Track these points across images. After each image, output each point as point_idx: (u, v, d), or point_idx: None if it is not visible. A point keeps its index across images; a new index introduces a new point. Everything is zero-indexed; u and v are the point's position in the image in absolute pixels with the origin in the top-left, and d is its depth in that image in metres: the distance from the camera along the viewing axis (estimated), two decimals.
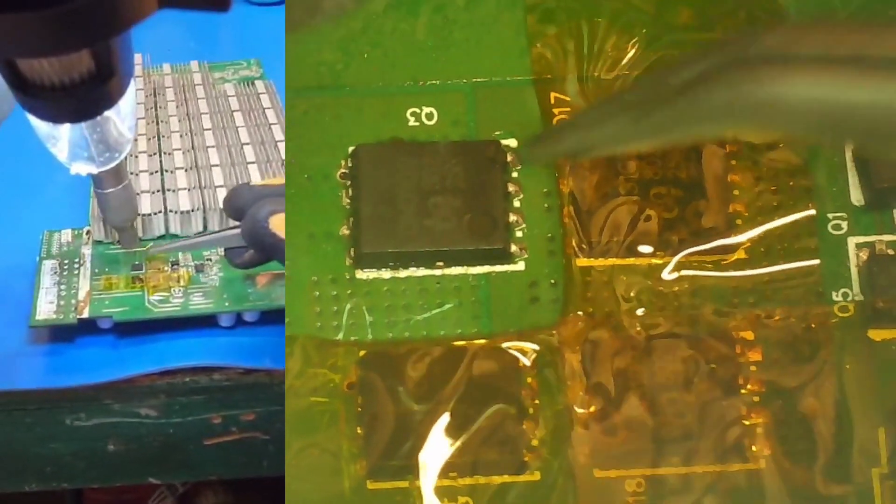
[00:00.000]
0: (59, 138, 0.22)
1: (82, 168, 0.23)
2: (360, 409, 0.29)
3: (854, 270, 0.30)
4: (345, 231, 0.30)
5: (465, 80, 0.30)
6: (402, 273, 0.30)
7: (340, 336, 0.29)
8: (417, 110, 0.30)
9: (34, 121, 0.22)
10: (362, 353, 0.29)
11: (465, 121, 0.30)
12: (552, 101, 0.30)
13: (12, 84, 0.21)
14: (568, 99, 0.30)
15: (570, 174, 0.30)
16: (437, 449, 0.29)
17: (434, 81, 0.30)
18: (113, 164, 0.24)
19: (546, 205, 0.30)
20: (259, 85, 0.47)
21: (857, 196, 0.30)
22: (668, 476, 0.29)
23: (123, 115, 0.22)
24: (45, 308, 0.33)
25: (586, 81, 0.30)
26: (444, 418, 0.29)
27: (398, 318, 0.29)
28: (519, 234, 0.30)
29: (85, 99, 0.21)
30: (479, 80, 0.30)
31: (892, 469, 0.29)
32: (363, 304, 0.29)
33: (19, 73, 0.21)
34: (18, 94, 0.21)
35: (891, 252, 0.30)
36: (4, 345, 0.33)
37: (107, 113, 0.22)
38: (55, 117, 0.22)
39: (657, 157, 0.30)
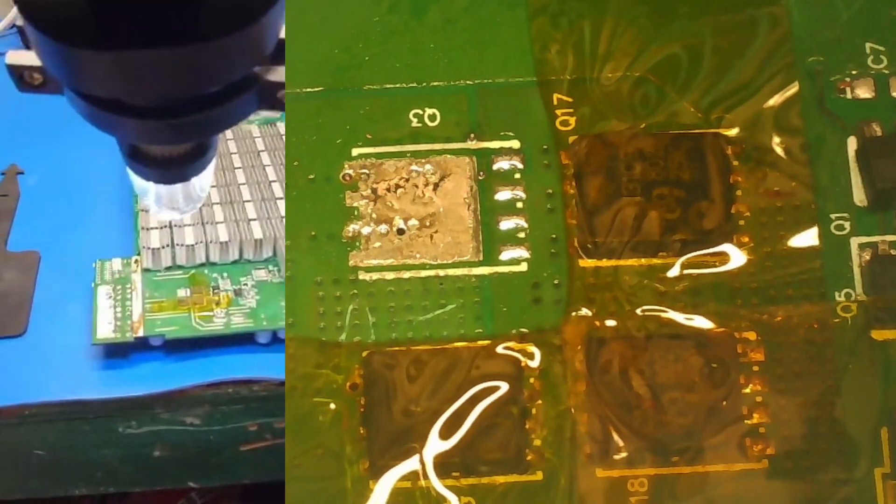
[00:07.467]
0: (151, 192, 0.27)
1: (166, 215, 0.28)
2: (362, 410, 0.29)
3: (857, 271, 0.30)
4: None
5: (468, 82, 0.30)
6: (405, 274, 0.30)
7: (343, 337, 0.29)
8: (420, 111, 0.30)
9: (135, 178, 0.27)
10: (365, 353, 0.29)
11: (468, 122, 0.30)
12: (555, 103, 0.30)
13: (124, 152, 0.25)
14: (571, 100, 0.30)
15: (573, 175, 0.30)
16: (439, 449, 0.29)
17: (437, 83, 0.30)
18: (190, 213, 0.29)
19: (549, 206, 0.30)
20: (280, 126, 0.51)
21: (859, 196, 0.30)
22: (671, 476, 0.29)
23: (204, 178, 0.27)
24: (104, 328, 0.37)
25: (590, 83, 0.30)
26: (447, 419, 0.29)
27: (401, 319, 0.30)
28: (522, 234, 0.30)
29: (182, 169, 0.26)
30: (482, 81, 0.30)
31: (895, 468, 0.29)
32: (366, 305, 0.30)
33: (133, 148, 0.25)
34: (128, 160, 0.26)
35: (893, 252, 0.30)
36: (67, 361, 0.37)
37: (194, 178, 0.27)
38: (156, 180, 0.26)
39: (660, 158, 0.30)
